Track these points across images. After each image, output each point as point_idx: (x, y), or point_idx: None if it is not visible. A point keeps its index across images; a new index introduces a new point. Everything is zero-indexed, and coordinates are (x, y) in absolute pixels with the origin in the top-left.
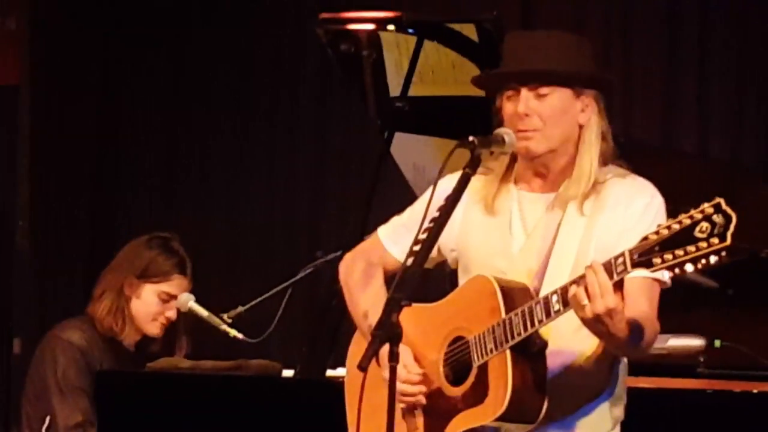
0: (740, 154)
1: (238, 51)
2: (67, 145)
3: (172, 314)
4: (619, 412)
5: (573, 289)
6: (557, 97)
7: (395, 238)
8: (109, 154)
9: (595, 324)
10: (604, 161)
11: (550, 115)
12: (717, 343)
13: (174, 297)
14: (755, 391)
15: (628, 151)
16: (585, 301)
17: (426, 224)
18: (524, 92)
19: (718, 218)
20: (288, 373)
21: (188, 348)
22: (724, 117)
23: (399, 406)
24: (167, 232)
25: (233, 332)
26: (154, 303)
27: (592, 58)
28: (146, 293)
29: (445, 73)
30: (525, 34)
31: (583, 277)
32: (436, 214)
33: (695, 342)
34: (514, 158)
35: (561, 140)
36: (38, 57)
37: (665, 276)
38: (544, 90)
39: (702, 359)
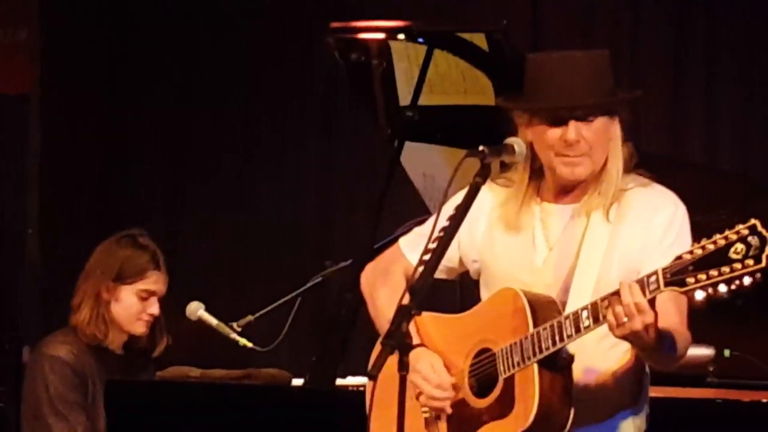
0: (749, 165)
1: (247, 59)
2: (77, 154)
3: (154, 310)
4: (642, 422)
5: (610, 310)
6: (600, 122)
7: (415, 247)
8: (117, 164)
9: (634, 339)
10: (626, 168)
11: (596, 139)
12: (726, 353)
13: (153, 293)
14: (764, 400)
15: (637, 163)
16: (624, 319)
17: (436, 234)
18: (573, 121)
19: (753, 240)
20: (297, 381)
21: (168, 340)
22: (732, 127)
23: (423, 416)
24: (135, 229)
25: (243, 341)
26: (134, 303)
27: (612, 72)
28: (125, 295)
29: (455, 83)
30: (553, 59)
31: (613, 294)
32: (447, 224)
33: (704, 352)
34: (535, 173)
35: (602, 161)
36: (48, 66)
37: (698, 296)
38: (591, 118)
39: (711, 369)
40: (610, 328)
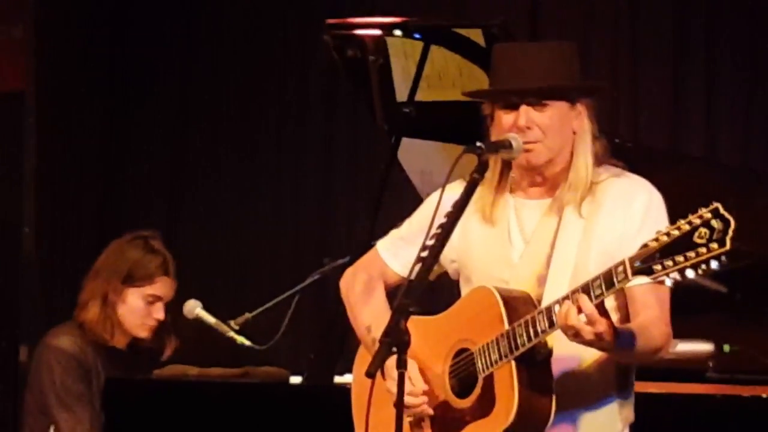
0: (749, 159)
1: (246, 57)
2: (73, 153)
3: (160, 315)
4: (629, 413)
5: (562, 314)
6: (556, 108)
7: (394, 251)
8: (114, 162)
9: (591, 345)
10: (598, 162)
11: (549, 126)
12: (726, 347)
13: (160, 298)
14: (764, 395)
15: (637, 157)
16: (572, 332)
17: (433, 230)
18: (524, 106)
19: (716, 223)
20: (295, 379)
21: (177, 342)
22: (732, 121)
23: (406, 420)
24: (148, 231)
25: (240, 339)
26: (140, 307)
27: (579, 63)
28: (132, 298)
29: (452, 78)
30: (516, 46)
31: (566, 298)
32: (444, 220)
33: (704, 347)
34: (506, 166)
35: (559, 149)
36: (44, 64)
37: (667, 282)
38: (544, 102)
39: (711, 364)
40: (569, 339)
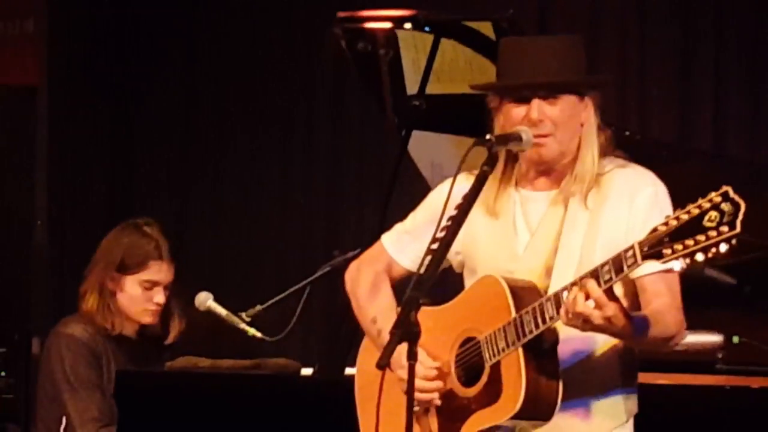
0: (757, 153)
1: (254, 49)
2: (84, 146)
3: (159, 299)
4: (633, 405)
5: (570, 302)
6: (566, 101)
7: (400, 245)
8: (125, 154)
9: (603, 331)
10: (603, 153)
11: (560, 118)
12: (735, 339)
13: (157, 283)
14: None
15: (645, 151)
16: (582, 318)
17: (444, 222)
18: (536, 99)
19: (726, 206)
20: (307, 371)
21: (182, 326)
22: (740, 115)
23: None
24: (141, 217)
25: (252, 331)
26: (138, 293)
27: (585, 56)
28: (129, 285)
29: (462, 71)
30: (524, 40)
31: (581, 279)
32: (454, 212)
33: (713, 338)
34: (510, 159)
35: (569, 142)
36: (56, 58)
37: (676, 267)
38: (555, 96)
39: (720, 356)
40: (578, 327)
